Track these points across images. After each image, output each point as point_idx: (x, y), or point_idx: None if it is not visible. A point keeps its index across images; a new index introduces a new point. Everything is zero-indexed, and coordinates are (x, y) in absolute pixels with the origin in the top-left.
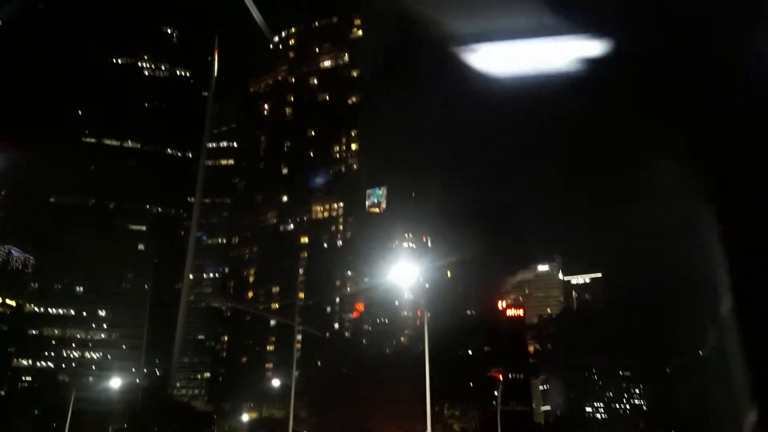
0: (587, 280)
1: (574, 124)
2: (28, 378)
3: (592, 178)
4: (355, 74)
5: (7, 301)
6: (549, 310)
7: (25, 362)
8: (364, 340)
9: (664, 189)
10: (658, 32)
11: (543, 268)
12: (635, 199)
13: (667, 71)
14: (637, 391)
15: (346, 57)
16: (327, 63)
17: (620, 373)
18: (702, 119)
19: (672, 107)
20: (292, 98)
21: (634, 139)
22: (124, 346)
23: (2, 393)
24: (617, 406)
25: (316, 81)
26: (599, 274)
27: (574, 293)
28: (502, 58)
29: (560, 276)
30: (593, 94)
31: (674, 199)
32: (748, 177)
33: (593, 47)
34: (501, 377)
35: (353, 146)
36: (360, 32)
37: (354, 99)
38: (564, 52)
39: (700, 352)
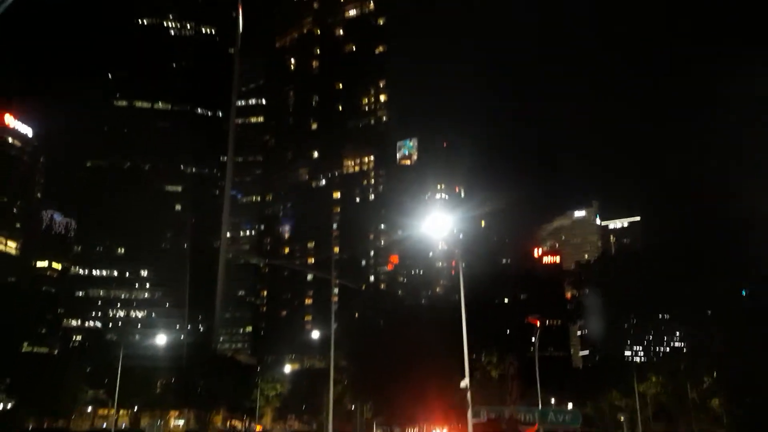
0: (625, 224)
1: (610, 66)
2: (78, 337)
3: (627, 122)
4: (381, 22)
5: (54, 264)
6: (586, 256)
7: (74, 322)
8: (399, 291)
9: (701, 129)
10: None
11: (580, 213)
12: (672, 140)
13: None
14: (677, 333)
15: (371, 5)
16: (352, 12)
17: (659, 316)
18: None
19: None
20: (318, 51)
21: (672, 82)
22: (167, 304)
23: (55, 352)
24: (657, 349)
25: (341, 32)
26: (638, 218)
27: (612, 238)
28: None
29: (597, 221)
30: (632, 36)
31: (708, 138)
32: None
33: None
34: (538, 323)
35: (382, 97)
36: None
37: (381, 48)
38: None
39: (743, 293)
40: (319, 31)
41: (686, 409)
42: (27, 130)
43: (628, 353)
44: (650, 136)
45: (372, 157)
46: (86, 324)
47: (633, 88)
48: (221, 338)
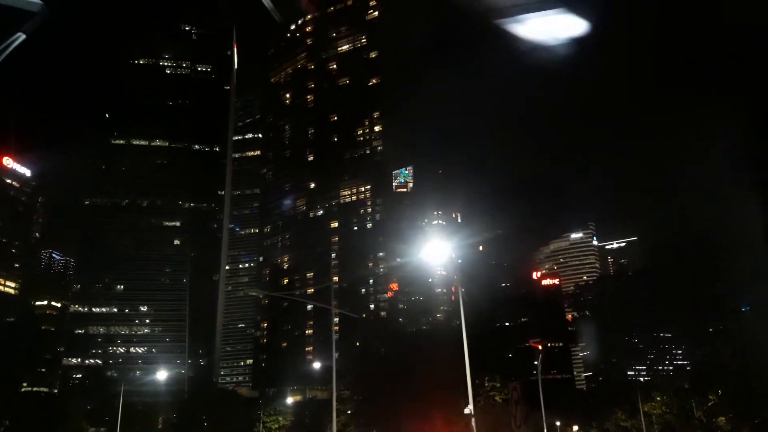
0: (623, 245)
1: (604, 90)
2: (79, 375)
3: (621, 143)
4: (373, 56)
5: (53, 303)
6: (585, 277)
7: (74, 360)
8: (400, 319)
9: (699, 149)
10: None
11: (577, 235)
12: (668, 160)
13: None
14: (679, 352)
15: (364, 39)
16: (345, 47)
17: (661, 335)
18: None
19: (705, 68)
20: (312, 85)
21: (667, 102)
22: (167, 339)
23: (55, 391)
24: (660, 368)
25: (335, 66)
26: (635, 238)
27: (609, 258)
28: (529, 30)
29: (595, 242)
30: (620, 61)
31: (710, 157)
32: None
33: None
34: (540, 346)
35: (377, 128)
36: (376, 13)
37: (374, 81)
38: (589, 19)
39: (744, 309)
40: (313, 65)
41: (692, 428)
42: (25, 171)
43: (631, 373)
44: (645, 155)
45: (368, 186)
46: (86, 362)
47: (627, 111)
48: (222, 372)
